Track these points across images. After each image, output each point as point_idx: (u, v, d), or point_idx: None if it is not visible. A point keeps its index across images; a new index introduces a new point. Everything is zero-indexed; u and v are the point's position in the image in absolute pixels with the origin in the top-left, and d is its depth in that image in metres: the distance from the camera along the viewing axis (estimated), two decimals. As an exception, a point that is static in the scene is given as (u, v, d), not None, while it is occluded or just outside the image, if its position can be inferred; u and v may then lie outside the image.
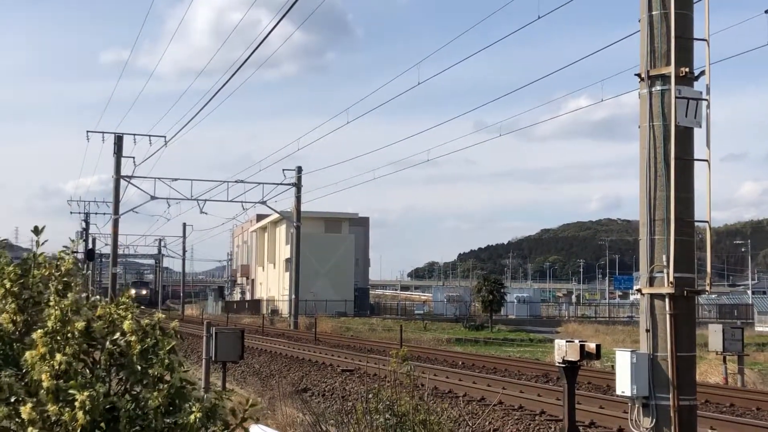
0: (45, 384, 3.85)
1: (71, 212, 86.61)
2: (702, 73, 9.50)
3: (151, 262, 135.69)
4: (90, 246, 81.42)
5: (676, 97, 9.24)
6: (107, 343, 4.11)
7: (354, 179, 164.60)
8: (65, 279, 4.42)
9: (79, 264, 4.46)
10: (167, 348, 4.11)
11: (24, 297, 4.41)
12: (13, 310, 4.35)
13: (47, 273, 4.49)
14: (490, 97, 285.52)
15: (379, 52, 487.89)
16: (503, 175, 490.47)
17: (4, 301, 4.38)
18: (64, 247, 4.59)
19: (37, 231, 4.61)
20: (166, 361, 4.08)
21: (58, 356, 3.92)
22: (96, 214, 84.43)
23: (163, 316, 4.21)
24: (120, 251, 73.43)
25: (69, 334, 4.00)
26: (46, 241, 4.61)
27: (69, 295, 4.19)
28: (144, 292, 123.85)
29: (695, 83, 9.49)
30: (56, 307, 4.05)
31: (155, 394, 3.99)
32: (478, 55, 44.93)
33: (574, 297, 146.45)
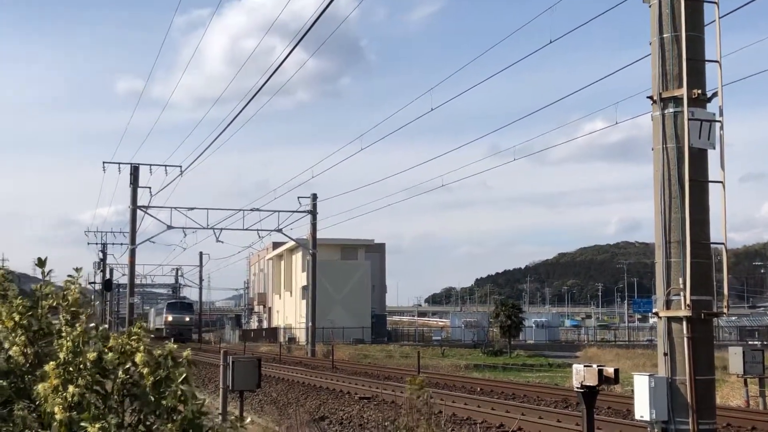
0: (58, 416, 3.84)
1: (88, 243, 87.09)
2: (715, 94, 9.46)
3: (169, 291, 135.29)
4: (107, 276, 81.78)
5: (689, 119, 9.20)
6: (120, 372, 4.10)
7: (369, 206, 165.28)
8: (73, 309, 4.41)
9: (86, 294, 4.41)
10: (179, 379, 4.09)
11: (33, 329, 4.41)
12: (23, 343, 4.35)
13: (54, 303, 4.48)
14: (504, 122, 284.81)
15: (393, 77, 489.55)
16: (519, 199, 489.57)
17: (14, 334, 4.38)
18: (68, 276, 4.57)
19: (41, 263, 4.60)
20: (179, 392, 4.06)
21: (71, 388, 3.91)
22: (113, 244, 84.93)
23: (175, 346, 4.19)
24: (137, 281, 73.60)
25: (81, 365, 3.99)
26: (51, 271, 4.61)
27: (77, 325, 4.18)
28: (187, 318, 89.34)
29: (708, 105, 9.45)
30: (68, 338, 4.05)
31: (169, 425, 3.97)
32: (491, 79, 44.94)
33: (593, 321, 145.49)
